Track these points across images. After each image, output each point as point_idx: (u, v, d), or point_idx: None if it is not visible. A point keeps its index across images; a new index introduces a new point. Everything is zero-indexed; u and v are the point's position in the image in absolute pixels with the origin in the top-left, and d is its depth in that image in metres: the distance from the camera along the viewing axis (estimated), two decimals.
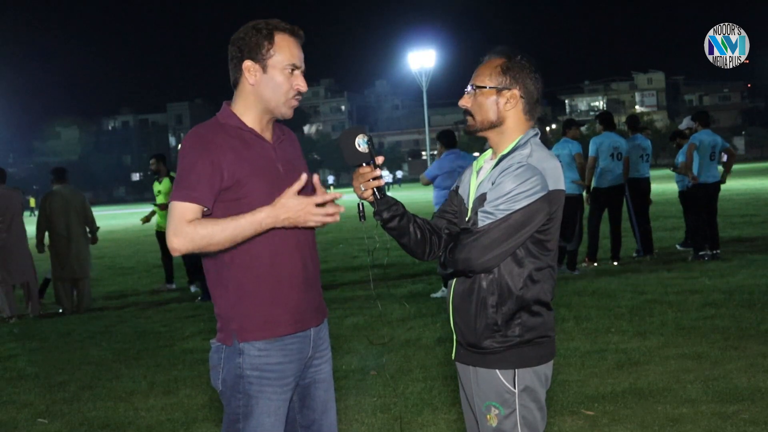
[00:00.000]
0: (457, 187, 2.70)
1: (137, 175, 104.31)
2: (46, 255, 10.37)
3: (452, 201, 2.70)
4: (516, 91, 2.51)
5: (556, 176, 2.46)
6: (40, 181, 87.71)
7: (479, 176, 2.59)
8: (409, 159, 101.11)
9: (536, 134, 2.55)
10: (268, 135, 2.63)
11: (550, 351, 2.56)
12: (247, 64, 2.54)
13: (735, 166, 13.81)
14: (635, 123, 11.60)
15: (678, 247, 11.55)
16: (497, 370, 2.48)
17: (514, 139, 2.53)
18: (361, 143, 2.47)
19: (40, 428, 5.18)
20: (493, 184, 2.44)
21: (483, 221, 2.39)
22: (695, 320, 6.69)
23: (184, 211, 2.43)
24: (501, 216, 2.37)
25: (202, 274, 9.90)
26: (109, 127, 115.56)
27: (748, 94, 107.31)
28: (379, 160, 2.50)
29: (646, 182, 10.94)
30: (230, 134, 2.53)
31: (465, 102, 2.57)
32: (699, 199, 10.39)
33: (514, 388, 2.47)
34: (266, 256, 2.51)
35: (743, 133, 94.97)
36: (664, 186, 14.32)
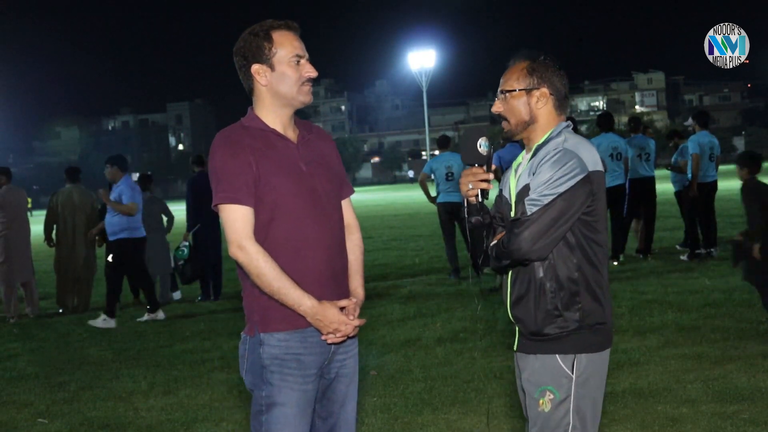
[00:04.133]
0: (501, 190, 2.76)
1: (137, 175, 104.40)
2: (50, 253, 10.39)
3: (499, 204, 2.76)
4: (545, 89, 2.60)
5: (594, 159, 2.52)
6: (40, 181, 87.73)
7: (518, 172, 2.65)
8: (409, 159, 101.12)
9: (568, 125, 2.62)
10: (291, 134, 2.70)
11: (609, 339, 2.59)
12: (255, 67, 2.64)
13: (735, 166, 13.94)
14: (632, 124, 11.67)
15: (678, 247, 11.57)
16: (557, 355, 2.52)
17: (546, 132, 2.60)
18: (482, 145, 2.55)
19: (40, 428, 5.18)
20: (533, 174, 2.50)
21: (531, 209, 2.45)
22: (695, 320, 6.69)
23: (239, 216, 2.55)
24: (546, 202, 2.43)
25: (198, 278, 9.97)
26: (109, 127, 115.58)
27: (748, 94, 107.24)
28: (492, 168, 2.57)
29: (646, 182, 10.95)
30: (254, 136, 2.63)
31: (498, 108, 2.65)
32: (697, 199, 10.44)
33: (572, 373, 2.50)
34: (290, 249, 2.59)
35: (743, 133, 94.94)
36: (664, 186, 14.31)
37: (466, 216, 2.62)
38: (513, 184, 2.65)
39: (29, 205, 69.73)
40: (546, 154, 2.50)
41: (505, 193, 2.71)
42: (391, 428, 4.65)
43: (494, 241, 2.59)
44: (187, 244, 9.76)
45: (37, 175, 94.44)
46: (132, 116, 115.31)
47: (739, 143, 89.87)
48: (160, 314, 8.94)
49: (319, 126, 2.86)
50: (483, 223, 2.62)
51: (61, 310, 10.15)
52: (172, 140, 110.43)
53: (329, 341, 2.61)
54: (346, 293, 2.73)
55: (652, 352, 5.82)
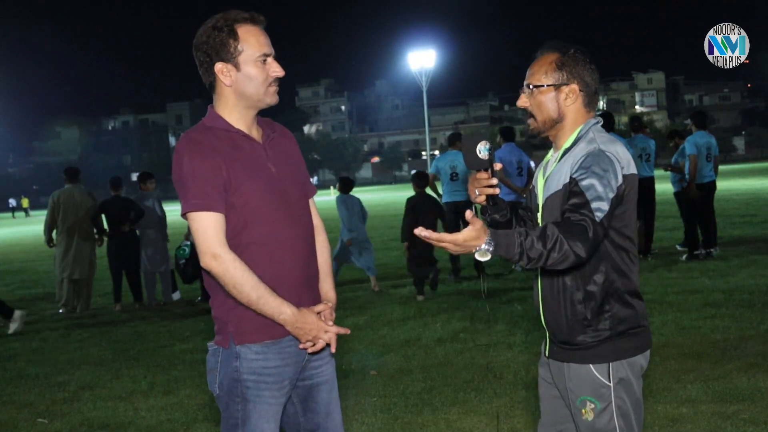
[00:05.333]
0: (533, 186, 2.68)
1: (137, 175, 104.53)
2: (50, 253, 10.36)
3: (529, 200, 2.71)
4: (574, 86, 2.48)
5: (627, 159, 2.41)
6: (40, 181, 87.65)
7: (546, 172, 2.56)
8: (409, 159, 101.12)
9: (597, 122, 2.52)
10: (256, 134, 2.59)
11: (646, 341, 2.54)
12: (219, 66, 2.49)
13: (735, 166, 13.96)
14: (634, 123, 11.69)
15: (678, 247, 11.57)
16: (591, 365, 2.46)
17: (574, 130, 2.50)
18: (482, 150, 2.47)
19: (40, 428, 5.18)
20: (572, 177, 2.35)
21: (585, 217, 2.27)
22: (695, 320, 6.69)
23: (210, 224, 2.43)
24: (600, 216, 2.27)
25: (199, 277, 9.94)
26: (109, 127, 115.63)
27: (748, 94, 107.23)
28: (497, 166, 2.50)
29: (646, 182, 10.95)
30: (220, 137, 2.50)
31: (523, 102, 2.54)
32: (696, 199, 10.45)
33: (609, 381, 2.45)
34: (265, 256, 2.49)
35: (743, 133, 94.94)
36: (664, 186, 14.31)
37: (485, 216, 2.55)
38: (540, 182, 2.56)
39: (24, 206, 68.89)
40: (580, 158, 2.37)
41: (536, 190, 2.62)
42: (391, 428, 4.65)
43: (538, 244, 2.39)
44: (188, 243, 9.74)
45: (37, 175, 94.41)
46: (132, 116, 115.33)
47: (740, 143, 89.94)
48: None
49: (281, 125, 2.75)
50: (499, 222, 2.56)
51: (61, 310, 10.15)
52: (172, 140, 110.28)
53: (309, 350, 2.52)
54: (318, 298, 2.66)
55: (652, 352, 5.79)
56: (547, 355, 2.63)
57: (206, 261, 2.43)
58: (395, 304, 8.71)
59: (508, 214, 2.61)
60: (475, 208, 2.58)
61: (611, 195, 2.31)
